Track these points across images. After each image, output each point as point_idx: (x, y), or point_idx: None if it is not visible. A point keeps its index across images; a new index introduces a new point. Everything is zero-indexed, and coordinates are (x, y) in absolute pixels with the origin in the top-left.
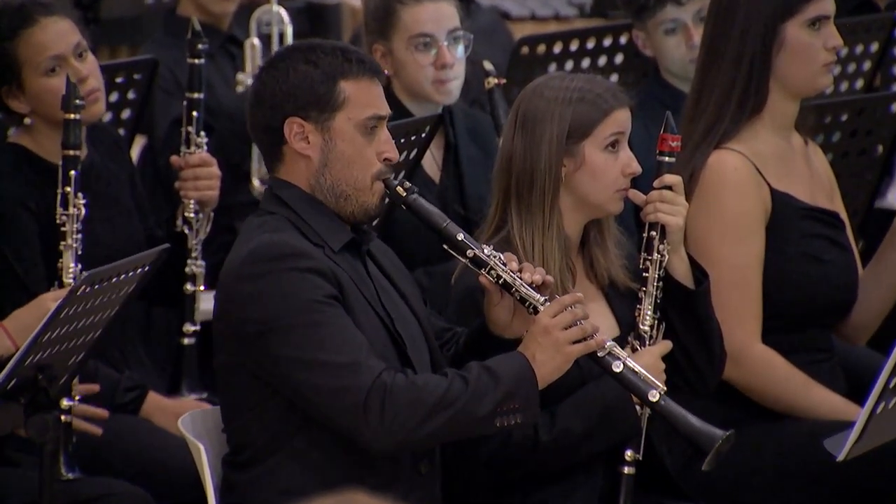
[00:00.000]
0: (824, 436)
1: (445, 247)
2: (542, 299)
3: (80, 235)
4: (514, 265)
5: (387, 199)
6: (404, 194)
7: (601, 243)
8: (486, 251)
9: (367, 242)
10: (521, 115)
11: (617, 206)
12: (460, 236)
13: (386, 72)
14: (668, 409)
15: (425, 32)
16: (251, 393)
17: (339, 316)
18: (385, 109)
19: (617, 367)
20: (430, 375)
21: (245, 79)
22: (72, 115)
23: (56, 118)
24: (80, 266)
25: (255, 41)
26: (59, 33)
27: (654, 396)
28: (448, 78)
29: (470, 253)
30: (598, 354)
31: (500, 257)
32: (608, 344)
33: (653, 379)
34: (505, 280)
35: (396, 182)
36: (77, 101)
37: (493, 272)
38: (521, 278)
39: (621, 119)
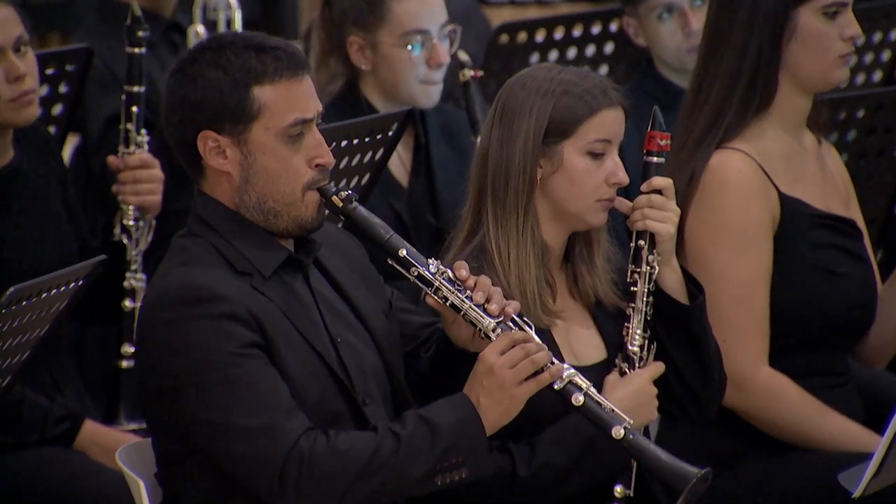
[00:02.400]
0: (839, 469)
1: (390, 261)
2: (493, 324)
3: None
4: (471, 282)
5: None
6: (341, 204)
7: (587, 258)
8: (431, 268)
9: (311, 255)
10: (501, 107)
11: (597, 218)
12: (403, 252)
13: (363, 67)
14: (636, 445)
15: (421, 28)
16: (179, 445)
17: (257, 368)
18: (311, 110)
19: (577, 400)
20: (356, 435)
21: None
22: None
23: None
24: None
25: (201, 29)
26: (1, 21)
27: (618, 433)
28: (438, 79)
29: (414, 271)
30: (556, 386)
31: (449, 273)
32: (566, 373)
33: (619, 412)
34: (452, 302)
35: (333, 191)
36: None
37: (439, 292)
38: (470, 299)
39: (609, 121)
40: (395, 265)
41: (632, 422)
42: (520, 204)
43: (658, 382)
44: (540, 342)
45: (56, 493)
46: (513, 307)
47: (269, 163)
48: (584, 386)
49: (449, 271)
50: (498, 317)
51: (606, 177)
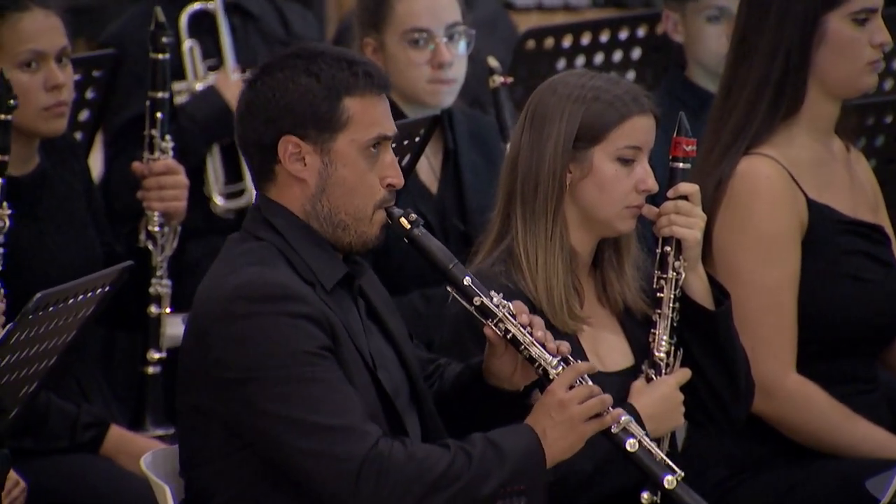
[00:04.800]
0: (866, 476)
1: (449, 290)
2: (555, 361)
3: (3, 250)
4: (525, 318)
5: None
6: (409, 227)
7: (616, 265)
8: (494, 300)
9: (361, 276)
10: (531, 112)
11: (626, 225)
12: (467, 280)
13: None
14: (685, 499)
15: (420, 27)
16: (219, 441)
17: (333, 370)
18: (391, 129)
19: (631, 447)
20: (431, 447)
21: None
22: (1, 116)
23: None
24: None
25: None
26: (48, 28)
27: (670, 483)
28: (446, 78)
29: (477, 301)
30: (613, 430)
31: (509, 307)
32: (623, 419)
33: (670, 462)
34: (514, 335)
35: (400, 213)
36: (11, 102)
37: (500, 325)
38: (531, 335)
39: (640, 127)
40: (455, 293)
41: (682, 474)
42: (549, 209)
43: (685, 389)
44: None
45: (82, 499)
46: (567, 347)
47: (349, 175)
48: (638, 434)
49: (510, 304)
50: (556, 355)
51: (636, 183)
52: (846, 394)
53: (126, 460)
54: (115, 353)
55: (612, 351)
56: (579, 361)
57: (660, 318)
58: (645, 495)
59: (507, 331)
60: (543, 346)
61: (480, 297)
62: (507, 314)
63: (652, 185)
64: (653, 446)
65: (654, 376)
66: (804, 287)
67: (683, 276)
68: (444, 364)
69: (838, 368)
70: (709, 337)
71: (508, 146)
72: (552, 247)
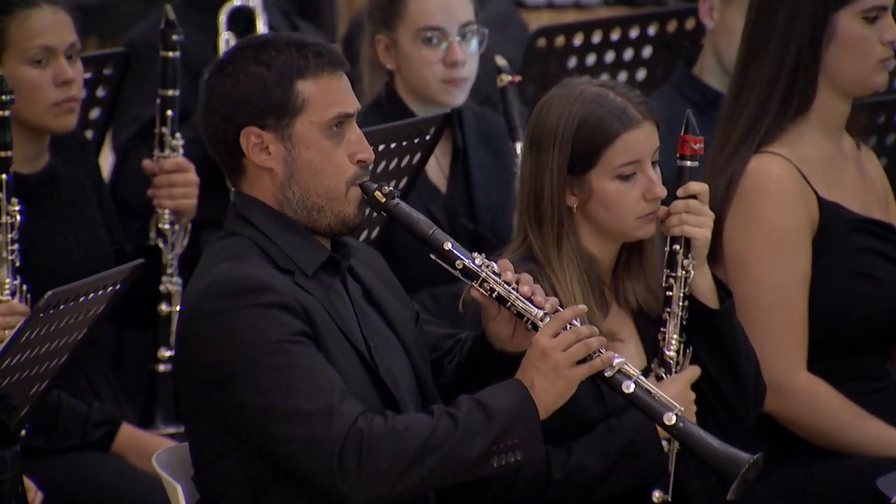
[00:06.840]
0: (877, 474)
1: (433, 257)
2: (541, 314)
3: (17, 246)
4: (510, 275)
5: (368, 209)
6: (383, 200)
7: (632, 266)
8: (477, 261)
9: (348, 258)
10: (530, 134)
11: (644, 231)
12: (448, 245)
13: (389, 66)
14: (687, 433)
15: (434, 25)
16: (218, 441)
17: (309, 355)
18: (352, 105)
19: (627, 388)
20: (413, 416)
21: None
22: (0, 112)
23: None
24: (19, 280)
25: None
26: (57, 25)
27: (669, 419)
28: (459, 77)
29: (459, 264)
30: (606, 374)
31: (493, 267)
32: (616, 361)
33: (669, 399)
34: (499, 293)
35: (375, 186)
36: (4, 98)
37: (485, 284)
38: (517, 291)
39: (632, 142)
40: (439, 260)
41: (682, 408)
42: (554, 234)
43: (694, 388)
44: (592, 327)
45: (93, 497)
46: (555, 301)
47: (313, 157)
48: (633, 374)
49: (493, 264)
50: (543, 306)
51: (643, 193)
52: (857, 392)
53: (137, 458)
54: (125, 351)
55: (626, 353)
56: (565, 309)
57: (669, 316)
58: (656, 494)
59: (492, 290)
60: (530, 300)
61: (462, 260)
62: (490, 273)
63: (659, 191)
64: (650, 385)
65: (664, 375)
66: (815, 285)
67: (692, 274)
68: (465, 338)
69: (849, 367)
70: (712, 336)
71: (517, 147)
72: (561, 270)
